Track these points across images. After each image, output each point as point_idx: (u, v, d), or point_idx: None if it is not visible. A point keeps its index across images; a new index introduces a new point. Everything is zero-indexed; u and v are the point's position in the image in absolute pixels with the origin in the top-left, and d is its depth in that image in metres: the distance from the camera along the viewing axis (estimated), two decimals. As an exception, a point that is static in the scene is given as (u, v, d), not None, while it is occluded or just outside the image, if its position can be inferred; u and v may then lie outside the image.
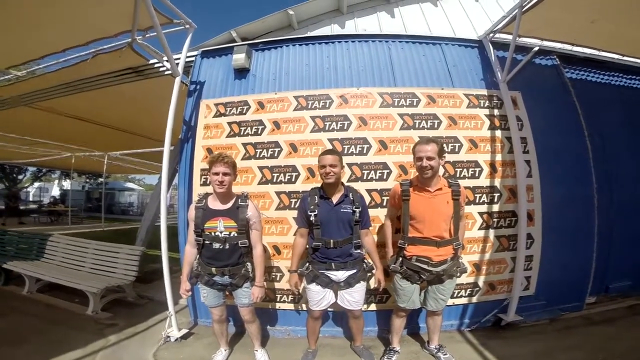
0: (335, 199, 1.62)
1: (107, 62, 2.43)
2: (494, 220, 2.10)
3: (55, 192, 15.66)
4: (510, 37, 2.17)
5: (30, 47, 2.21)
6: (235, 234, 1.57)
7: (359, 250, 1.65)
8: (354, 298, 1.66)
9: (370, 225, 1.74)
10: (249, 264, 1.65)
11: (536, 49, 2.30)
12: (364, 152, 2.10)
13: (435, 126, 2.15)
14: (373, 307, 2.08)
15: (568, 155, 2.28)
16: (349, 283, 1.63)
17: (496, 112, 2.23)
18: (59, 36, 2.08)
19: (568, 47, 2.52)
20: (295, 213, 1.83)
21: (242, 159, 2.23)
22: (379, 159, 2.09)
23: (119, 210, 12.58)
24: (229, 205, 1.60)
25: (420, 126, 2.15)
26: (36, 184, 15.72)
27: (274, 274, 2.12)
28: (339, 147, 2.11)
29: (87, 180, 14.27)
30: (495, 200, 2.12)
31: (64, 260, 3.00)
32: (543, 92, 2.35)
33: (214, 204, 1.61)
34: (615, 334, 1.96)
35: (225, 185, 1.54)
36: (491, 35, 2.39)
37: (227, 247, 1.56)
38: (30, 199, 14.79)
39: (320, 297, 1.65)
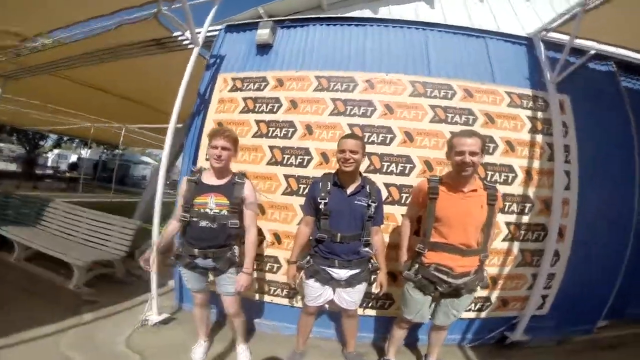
0: (350, 189, 1.45)
1: (131, 32, 2.35)
2: (521, 232, 1.90)
3: (73, 159, 16.19)
4: (562, 37, 1.98)
5: (57, 15, 2.14)
6: (226, 213, 1.42)
7: (367, 249, 1.48)
8: (351, 298, 1.52)
9: (383, 223, 1.56)
10: (236, 247, 1.49)
11: (592, 52, 2.06)
12: (387, 142, 1.91)
13: (470, 122, 1.94)
14: (372, 312, 1.90)
15: (613, 170, 2.04)
16: (349, 283, 1.47)
17: (540, 114, 1.99)
18: (86, 5, 2.01)
19: (627, 52, 2.23)
20: (302, 200, 1.67)
21: (253, 136, 2.08)
22: (402, 152, 1.89)
23: (132, 183, 12.79)
24: (224, 181, 1.47)
25: (453, 121, 1.94)
26: (56, 151, 16.32)
27: (270, 264, 1.97)
28: (359, 134, 1.91)
29: (105, 150, 14.60)
30: (526, 211, 1.90)
31: (59, 228, 2.89)
32: (594, 99, 2.10)
33: (208, 178, 1.48)
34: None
35: (223, 160, 1.41)
36: (543, 33, 2.15)
37: (215, 226, 1.41)
38: (49, 164, 15.35)
39: (317, 294, 1.51)
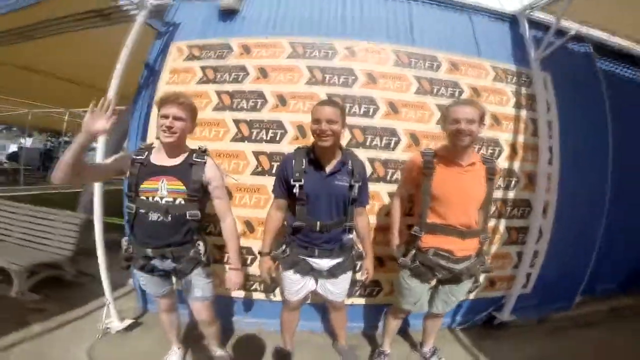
0: (329, 167, 1.21)
1: (68, 3, 1.92)
2: (507, 208, 1.84)
3: (13, 149, 14.15)
4: (544, 16, 2.00)
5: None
6: (182, 202, 1.12)
7: (350, 236, 1.29)
8: (337, 289, 1.34)
9: (368, 203, 1.36)
10: (200, 243, 1.22)
11: (573, 32, 2.05)
12: (370, 114, 1.70)
13: (456, 95, 1.81)
14: (360, 300, 1.75)
15: (589, 147, 2.07)
16: (332, 273, 1.29)
17: (523, 90, 1.93)
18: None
19: (602, 35, 2.27)
20: None
21: (214, 109, 1.76)
22: (386, 124, 1.70)
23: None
24: (179, 160, 1.15)
25: (439, 93, 1.79)
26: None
27: (244, 256, 1.69)
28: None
29: (49, 138, 13.03)
30: (512, 185, 1.84)
31: (-10, 228, 2.35)
32: (572, 79, 2.09)
33: (158, 157, 1.15)
34: (603, 338, 1.93)
35: (175, 134, 1.09)
36: (528, 11, 2.11)
37: (168, 219, 1.11)
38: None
39: (299, 287, 1.31)
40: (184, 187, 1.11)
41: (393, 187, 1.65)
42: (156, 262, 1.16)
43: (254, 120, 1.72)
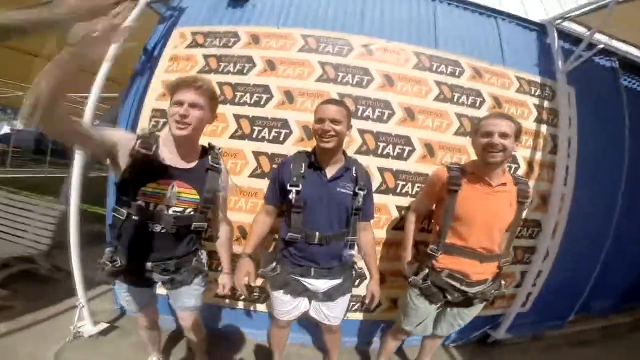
0: (330, 171, 1.09)
1: None
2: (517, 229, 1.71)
3: (5, 130, 13.96)
4: (573, 26, 1.93)
5: None
6: (192, 212, 0.97)
7: (352, 252, 1.16)
8: (333, 313, 1.21)
9: (373, 217, 1.24)
10: (203, 252, 1.12)
11: (601, 46, 1.95)
12: (384, 118, 1.58)
13: (477, 105, 1.69)
14: (356, 315, 1.65)
15: (605, 167, 2.00)
16: (329, 296, 1.15)
17: (546, 103, 1.82)
18: None
19: (630, 49, 2.16)
20: None
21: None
22: (401, 131, 1.58)
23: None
24: (193, 163, 0.97)
25: (460, 101, 1.67)
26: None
27: (234, 262, 1.54)
28: (352, 107, 1.56)
29: None
30: (525, 206, 1.71)
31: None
32: (596, 94, 1.99)
33: (169, 156, 0.94)
34: (596, 357, 1.94)
35: (189, 125, 0.89)
36: (559, 21, 2.00)
37: (173, 231, 0.95)
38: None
39: (290, 308, 1.18)
40: (197, 197, 0.96)
41: (402, 200, 1.56)
42: (155, 276, 1.00)
43: (256, 117, 1.58)
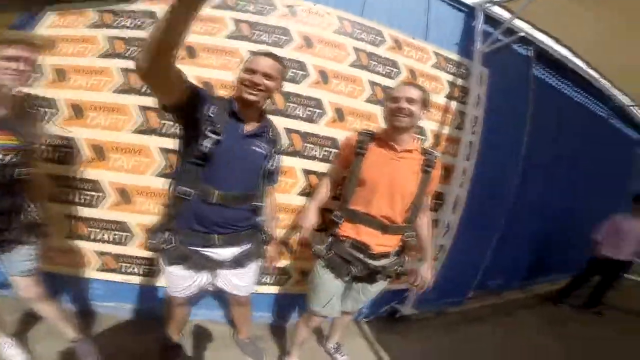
0: (248, 127, 0.99)
1: None
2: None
3: None
4: (500, 13, 2.02)
5: None
6: (17, 159, 0.95)
7: (261, 217, 1.11)
8: (243, 282, 1.13)
9: (278, 180, 1.22)
10: (31, 205, 1.05)
11: (522, 34, 2.10)
12: (297, 79, 1.59)
13: (392, 75, 1.76)
14: (267, 289, 1.68)
15: (505, 148, 2.21)
16: (238, 262, 1.07)
17: (459, 81, 1.95)
18: None
19: (548, 42, 2.35)
20: (163, 142, 1.31)
21: (100, 56, 1.47)
22: (313, 93, 1.61)
23: None
24: (7, 110, 0.94)
25: (375, 70, 1.72)
26: None
27: (116, 232, 1.50)
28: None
29: None
30: None
31: None
32: (507, 79, 2.16)
33: None
34: (489, 333, 2.11)
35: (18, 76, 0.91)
36: (488, 5, 2.08)
37: (5, 179, 0.93)
38: None
39: (188, 284, 1.05)
40: (17, 142, 0.94)
41: (309, 164, 1.61)
42: None
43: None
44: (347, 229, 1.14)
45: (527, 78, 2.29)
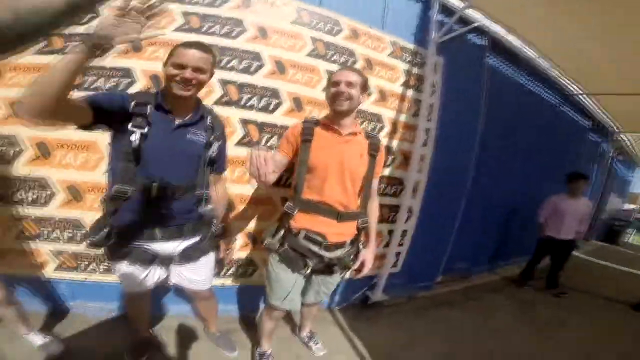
0: (179, 119, 0.98)
1: None
2: (382, 186, 1.98)
3: None
4: (455, 3, 2.07)
5: None
6: None
7: (210, 206, 1.08)
8: (198, 276, 1.12)
9: (226, 168, 1.23)
10: None
11: (476, 24, 2.19)
12: (251, 70, 1.59)
13: (349, 64, 1.80)
14: (234, 281, 1.70)
15: (460, 136, 2.33)
16: (188, 256, 1.06)
17: (415, 70, 2.03)
18: None
19: (501, 31, 2.47)
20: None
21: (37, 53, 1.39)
22: (269, 84, 1.62)
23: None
24: None
25: (332, 59, 1.76)
26: None
27: (68, 231, 1.46)
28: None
29: None
30: (388, 162, 1.99)
31: None
32: (462, 67, 2.27)
33: None
34: (460, 318, 2.15)
35: None
36: None
37: None
38: None
39: (138, 280, 1.03)
40: None
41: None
42: None
43: (102, 68, 1.42)
44: (301, 220, 1.12)
45: (482, 66, 2.41)
